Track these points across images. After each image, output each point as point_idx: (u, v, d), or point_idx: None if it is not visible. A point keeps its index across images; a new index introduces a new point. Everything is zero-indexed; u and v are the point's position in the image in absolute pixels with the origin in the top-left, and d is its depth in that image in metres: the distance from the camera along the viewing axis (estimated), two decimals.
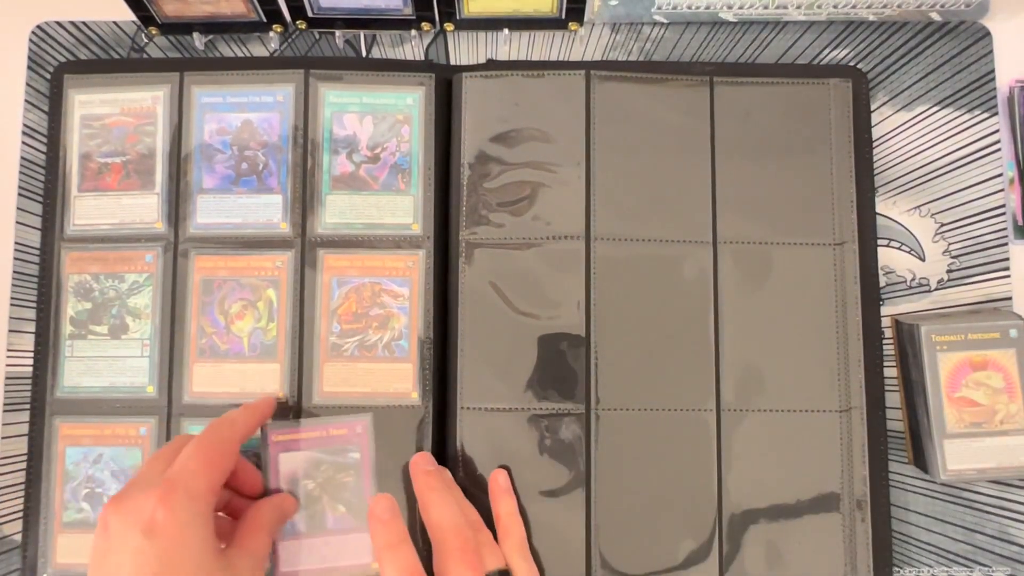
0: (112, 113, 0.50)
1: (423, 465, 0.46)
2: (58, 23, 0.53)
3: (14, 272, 0.51)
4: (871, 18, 0.52)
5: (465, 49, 0.53)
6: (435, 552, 0.42)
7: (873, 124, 0.51)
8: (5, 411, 0.50)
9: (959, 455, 0.46)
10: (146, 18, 0.51)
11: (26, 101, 0.52)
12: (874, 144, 0.51)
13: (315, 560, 0.46)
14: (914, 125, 0.51)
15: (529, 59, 0.53)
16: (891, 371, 0.50)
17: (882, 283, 0.50)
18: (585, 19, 0.52)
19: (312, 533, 0.47)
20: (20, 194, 0.51)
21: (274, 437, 0.47)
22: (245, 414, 0.44)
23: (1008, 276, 0.50)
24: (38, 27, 0.53)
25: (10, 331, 0.51)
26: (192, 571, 0.37)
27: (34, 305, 0.50)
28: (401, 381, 0.48)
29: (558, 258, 0.48)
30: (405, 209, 0.49)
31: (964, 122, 0.51)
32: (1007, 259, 0.50)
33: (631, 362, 0.48)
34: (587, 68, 0.50)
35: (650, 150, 0.49)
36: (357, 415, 0.48)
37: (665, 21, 0.53)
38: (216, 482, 0.40)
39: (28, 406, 0.49)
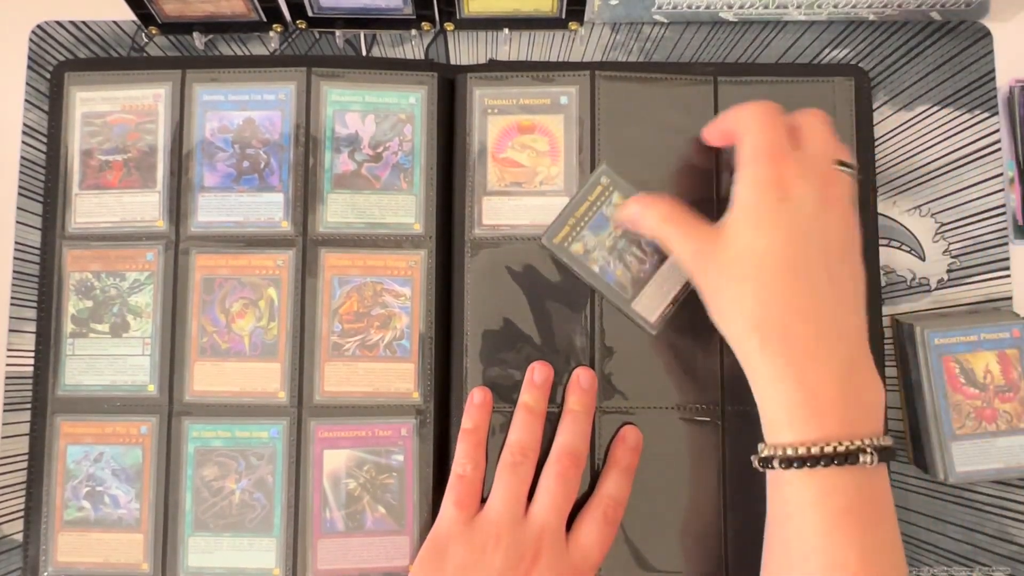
0: (113, 111, 0.50)
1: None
2: (58, 23, 0.53)
3: (14, 271, 0.51)
4: (871, 18, 0.52)
5: (465, 49, 0.53)
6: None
7: (873, 124, 0.51)
8: (6, 410, 0.50)
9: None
10: (146, 17, 0.51)
11: (26, 100, 0.52)
12: (875, 144, 0.51)
13: (352, 560, 0.47)
14: (914, 125, 0.51)
15: (529, 59, 0.53)
16: (891, 371, 0.50)
17: (882, 283, 0.50)
18: (585, 19, 0.52)
19: (350, 532, 0.47)
20: (20, 193, 0.51)
21: (320, 433, 0.47)
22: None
23: (1008, 276, 0.50)
24: (38, 27, 0.53)
25: (10, 330, 0.51)
26: None
27: (35, 304, 0.50)
28: (402, 381, 0.48)
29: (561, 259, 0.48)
30: (407, 208, 0.49)
31: (964, 122, 0.51)
32: (1007, 259, 0.50)
33: (636, 363, 0.48)
34: (592, 69, 0.50)
35: (654, 150, 0.49)
36: (403, 417, 0.48)
37: (665, 21, 0.53)
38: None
39: (29, 405, 0.49)
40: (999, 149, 0.51)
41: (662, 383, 0.47)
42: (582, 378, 0.47)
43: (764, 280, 0.39)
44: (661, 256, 0.48)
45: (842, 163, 0.42)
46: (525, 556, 0.43)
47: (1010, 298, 0.50)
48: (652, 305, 0.47)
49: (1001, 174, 0.51)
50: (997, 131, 0.51)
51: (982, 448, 0.46)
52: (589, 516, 0.45)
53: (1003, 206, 0.51)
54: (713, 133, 0.46)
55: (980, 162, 0.51)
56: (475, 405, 0.47)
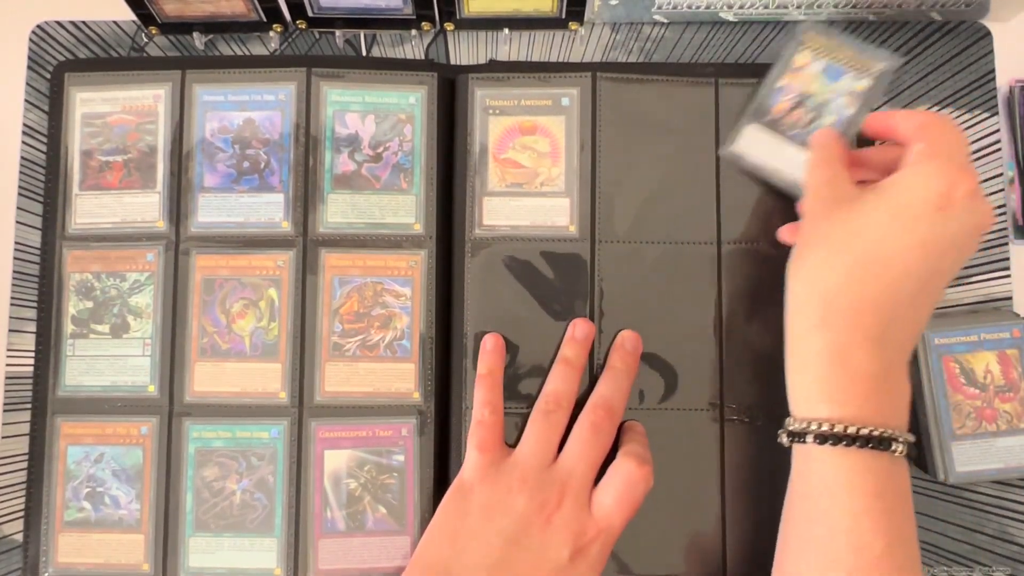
0: (113, 111, 0.50)
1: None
2: (58, 23, 0.53)
3: (14, 272, 0.51)
4: (871, 18, 0.52)
5: (465, 49, 0.53)
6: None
7: None
8: (6, 411, 0.50)
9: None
10: (146, 17, 0.51)
11: (26, 101, 0.52)
12: (874, 144, 0.51)
13: (353, 560, 0.47)
14: None
15: (529, 59, 0.53)
16: None
17: None
18: (585, 19, 0.52)
19: (351, 532, 0.47)
20: (20, 193, 0.51)
21: (320, 433, 0.47)
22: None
23: (1008, 276, 0.50)
24: (38, 27, 0.53)
25: (10, 331, 0.51)
26: None
27: (35, 305, 0.50)
28: (403, 381, 0.48)
29: (563, 260, 0.48)
30: (407, 208, 0.49)
31: (964, 122, 0.51)
32: (1007, 259, 0.50)
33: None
34: (593, 70, 0.50)
35: (655, 151, 0.49)
36: (404, 417, 0.48)
37: (665, 21, 0.53)
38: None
39: (29, 406, 0.49)
40: (999, 149, 0.51)
41: (662, 383, 0.47)
42: (627, 340, 0.47)
43: (867, 266, 0.39)
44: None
45: None
46: (549, 501, 0.43)
47: (1010, 298, 0.50)
48: None
49: (1001, 174, 0.51)
50: (997, 131, 0.51)
51: (982, 448, 0.46)
52: (583, 445, 0.45)
53: (1003, 206, 0.51)
54: (881, 124, 0.44)
55: (980, 162, 0.51)
56: (488, 351, 0.47)
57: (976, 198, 0.39)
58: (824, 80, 0.48)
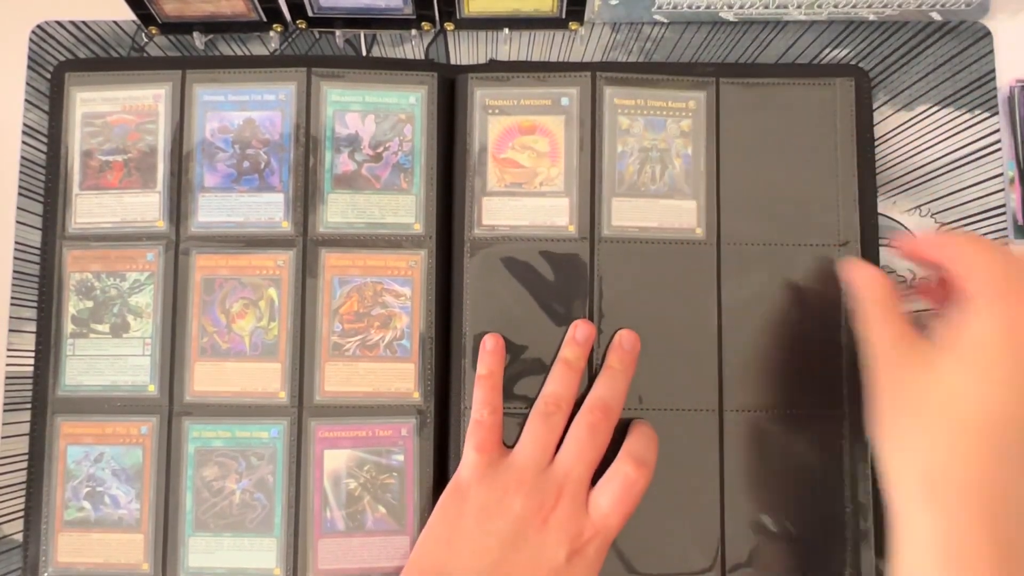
0: (114, 111, 0.50)
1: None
2: (58, 23, 0.53)
3: (14, 272, 0.51)
4: (871, 18, 0.52)
5: (465, 49, 0.53)
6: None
7: (873, 124, 0.51)
8: (6, 410, 0.50)
9: None
10: (146, 17, 0.51)
11: (26, 101, 0.52)
12: (874, 144, 0.51)
13: (352, 560, 0.47)
14: (914, 125, 0.51)
15: (529, 59, 0.53)
16: None
17: None
18: (585, 19, 0.52)
19: (351, 532, 0.47)
20: (20, 193, 0.51)
21: (320, 433, 0.47)
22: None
23: None
24: (38, 27, 0.53)
25: (10, 330, 0.51)
26: None
27: (35, 304, 0.50)
28: (403, 381, 0.48)
29: (562, 260, 0.48)
30: (407, 208, 0.49)
31: (964, 122, 0.51)
32: None
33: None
34: (593, 70, 0.50)
35: (655, 151, 0.49)
36: (404, 417, 0.48)
37: (665, 21, 0.53)
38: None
39: (29, 405, 0.49)
40: (999, 149, 0.51)
41: (662, 385, 0.47)
42: (624, 339, 0.47)
43: (967, 435, 0.37)
44: None
45: None
46: (546, 503, 0.43)
47: None
48: None
49: (1001, 174, 0.51)
50: (997, 131, 0.51)
51: None
52: (573, 443, 0.45)
53: (1003, 206, 0.51)
54: (923, 250, 0.42)
55: (980, 162, 0.51)
56: (488, 351, 0.47)
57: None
58: (653, 133, 0.49)
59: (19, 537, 0.48)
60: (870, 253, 0.49)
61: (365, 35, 0.53)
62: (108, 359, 0.49)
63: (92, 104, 0.50)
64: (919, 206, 0.51)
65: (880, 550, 0.46)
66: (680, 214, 0.49)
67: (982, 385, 0.37)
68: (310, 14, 0.51)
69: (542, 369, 0.47)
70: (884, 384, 0.40)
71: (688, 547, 0.46)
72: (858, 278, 0.43)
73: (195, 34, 0.52)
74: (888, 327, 0.41)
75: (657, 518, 0.46)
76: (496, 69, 0.50)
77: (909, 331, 0.41)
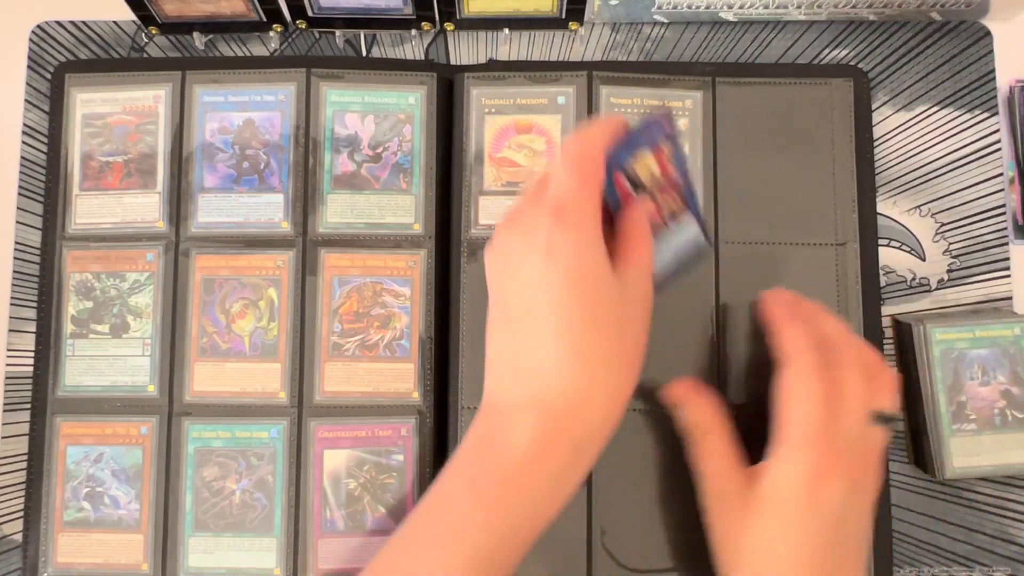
0: (114, 112, 0.50)
1: (786, 295, 0.44)
2: (58, 23, 0.53)
3: (14, 272, 0.51)
4: (871, 18, 0.52)
5: (465, 49, 0.53)
6: (829, 361, 0.41)
7: (873, 124, 0.51)
8: (6, 410, 0.50)
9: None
10: (146, 18, 0.51)
11: (26, 101, 0.52)
12: (874, 144, 0.51)
13: (352, 560, 0.47)
14: (914, 125, 0.51)
15: (529, 59, 0.53)
16: None
17: (882, 283, 0.50)
18: (585, 19, 0.52)
19: (351, 532, 0.47)
20: (20, 193, 0.51)
21: (320, 433, 0.47)
22: (599, 126, 0.40)
23: (1008, 276, 0.50)
24: (38, 27, 0.53)
25: (10, 330, 0.51)
26: (593, 292, 0.37)
27: (34, 305, 0.50)
28: (402, 381, 0.48)
29: None
30: (406, 208, 0.49)
31: (964, 122, 0.51)
32: (1007, 259, 0.50)
33: None
34: (590, 69, 0.50)
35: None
36: (403, 417, 0.48)
37: (665, 21, 0.53)
38: (596, 197, 0.38)
39: (29, 406, 0.49)
40: (999, 149, 0.51)
41: (660, 384, 0.47)
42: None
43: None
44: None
45: (881, 416, 0.40)
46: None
47: (1010, 298, 0.50)
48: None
49: (1001, 174, 0.51)
50: (997, 131, 0.51)
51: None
52: None
53: (1003, 206, 0.51)
54: (771, 321, 0.43)
55: (980, 162, 0.51)
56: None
57: (846, 454, 0.39)
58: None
59: (19, 537, 0.49)
60: (868, 253, 0.49)
61: (365, 35, 0.53)
62: (108, 359, 0.49)
63: (92, 105, 0.51)
64: (919, 206, 0.51)
65: (878, 545, 0.46)
66: None
67: (782, 535, 0.38)
68: (310, 14, 0.51)
69: None
70: (714, 525, 0.42)
71: (684, 546, 0.46)
72: (690, 408, 0.44)
73: (195, 34, 0.52)
74: (717, 462, 0.42)
75: (656, 516, 0.46)
76: (494, 69, 0.50)
77: (735, 467, 0.41)
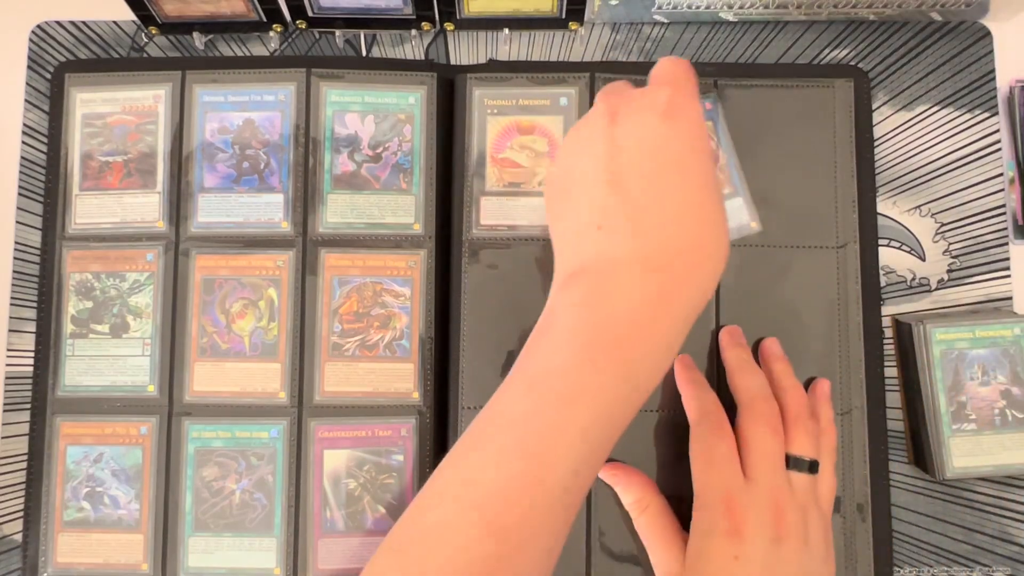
0: (113, 112, 0.50)
1: (738, 338, 0.47)
2: (58, 23, 0.53)
3: (14, 272, 0.51)
4: (871, 18, 0.52)
5: (465, 49, 0.53)
6: (740, 414, 0.43)
7: (873, 124, 0.51)
8: (6, 410, 0.50)
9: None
10: (146, 18, 0.51)
11: (26, 101, 0.52)
12: (874, 144, 0.51)
13: (353, 560, 0.47)
14: (914, 125, 0.51)
15: (529, 59, 0.53)
16: (891, 371, 0.50)
17: (882, 283, 0.50)
18: (585, 19, 0.52)
19: (351, 532, 0.47)
20: (20, 193, 0.51)
21: (320, 433, 0.47)
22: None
23: (1008, 276, 0.50)
24: (38, 27, 0.53)
25: (10, 330, 0.51)
26: (710, 153, 0.38)
27: (34, 305, 0.50)
28: (402, 381, 0.48)
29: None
30: (407, 208, 0.49)
31: (964, 122, 0.51)
32: (1007, 259, 0.50)
33: None
34: (592, 70, 0.50)
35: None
36: (403, 417, 0.48)
37: (665, 21, 0.53)
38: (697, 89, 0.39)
39: (29, 406, 0.49)
40: (999, 149, 0.51)
41: (660, 385, 0.47)
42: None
43: None
44: None
45: (797, 461, 0.42)
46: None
47: (1010, 298, 0.50)
48: None
49: (1001, 174, 0.51)
50: (997, 131, 0.51)
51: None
52: None
53: (1003, 206, 0.51)
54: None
55: (980, 162, 0.51)
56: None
57: (760, 510, 0.40)
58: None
59: (19, 537, 0.49)
60: (868, 253, 0.49)
61: (365, 35, 0.53)
62: (108, 359, 0.49)
63: (92, 105, 0.51)
64: (919, 206, 0.51)
65: (877, 545, 0.46)
66: None
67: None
68: (310, 14, 0.51)
69: None
70: None
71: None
72: (623, 488, 0.45)
73: (195, 34, 0.52)
74: (657, 535, 0.44)
75: None
76: (495, 69, 0.50)
77: (673, 538, 0.43)
